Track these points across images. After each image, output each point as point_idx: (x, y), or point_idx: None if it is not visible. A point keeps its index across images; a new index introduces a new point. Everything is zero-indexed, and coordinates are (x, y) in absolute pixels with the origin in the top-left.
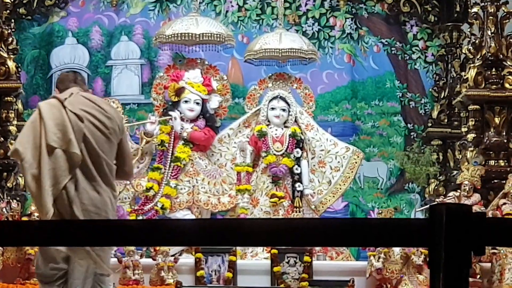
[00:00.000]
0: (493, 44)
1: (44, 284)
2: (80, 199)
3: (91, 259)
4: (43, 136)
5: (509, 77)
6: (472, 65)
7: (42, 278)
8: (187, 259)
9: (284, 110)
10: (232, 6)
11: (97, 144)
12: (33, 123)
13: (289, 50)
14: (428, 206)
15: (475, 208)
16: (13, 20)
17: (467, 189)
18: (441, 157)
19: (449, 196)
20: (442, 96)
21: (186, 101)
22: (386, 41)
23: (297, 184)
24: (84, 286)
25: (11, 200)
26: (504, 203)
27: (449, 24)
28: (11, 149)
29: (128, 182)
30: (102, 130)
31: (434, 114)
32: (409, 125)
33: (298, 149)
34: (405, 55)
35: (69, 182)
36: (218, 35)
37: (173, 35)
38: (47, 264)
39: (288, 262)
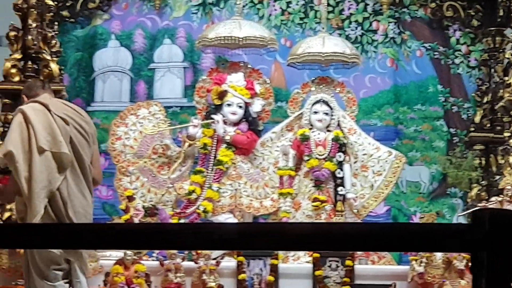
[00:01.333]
0: None
1: (47, 283)
2: (72, 201)
3: (82, 261)
4: (33, 139)
5: None
6: None
7: (45, 279)
8: (229, 263)
9: (326, 114)
10: (275, 9)
11: (81, 147)
12: (19, 127)
13: (332, 54)
14: (470, 211)
15: None
16: (56, 23)
17: (510, 194)
18: (483, 162)
19: (491, 201)
20: (484, 101)
21: (228, 105)
22: (429, 45)
23: (339, 188)
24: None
25: None
26: None
27: (492, 28)
28: (1, 153)
29: (170, 185)
30: (83, 134)
31: (477, 118)
32: (451, 129)
33: (340, 153)
34: (448, 60)
35: (62, 183)
36: (261, 39)
37: (216, 39)
38: (48, 266)
39: (330, 266)
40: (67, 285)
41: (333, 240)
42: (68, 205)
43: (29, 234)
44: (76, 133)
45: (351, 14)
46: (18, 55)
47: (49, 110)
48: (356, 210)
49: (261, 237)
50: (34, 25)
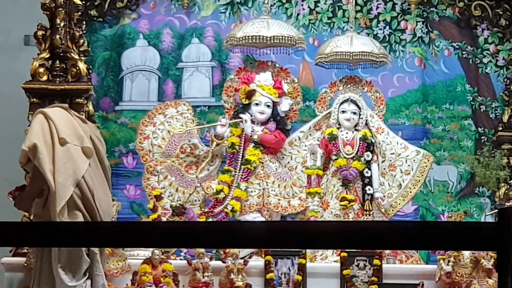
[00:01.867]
0: None
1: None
2: (97, 192)
3: (104, 255)
4: (54, 133)
5: None
6: None
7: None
8: (256, 262)
9: (355, 113)
10: (303, 9)
11: (100, 146)
12: (40, 125)
13: (360, 53)
14: (497, 210)
15: None
16: (84, 22)
17: None
18: (511, 161)
19: None
20: None
21: (256, 104)
22: (457, 44)
23: (367, 187)
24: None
25: None
26: None
27: None
28: (25, 147)
29: (198, 185)
30: (99, 137)
31: (505, 118)
32: (479, 129)
33: (368, 152)
34: (476, 59)
35: (86, 173)
36: (289, 38)
37: (244, 38)
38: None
39: (357, 265)
40: (88, 281)
41: (361, 239)
42: (95, 195)
43: (55, 232)
44: (95, 133)
45: (379, 13)
46: (46, 54)
47: (68, 111)
48: (384, 209)
49: (289, 236)
50: (62, 24)
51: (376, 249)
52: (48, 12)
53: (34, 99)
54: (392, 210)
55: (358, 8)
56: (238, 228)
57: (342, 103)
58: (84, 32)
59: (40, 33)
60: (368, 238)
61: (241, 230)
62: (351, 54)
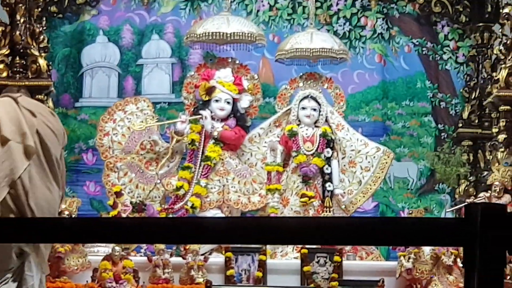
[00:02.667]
0: None
1: None
2: (34, 192)
3: (39, 254)
4: None
5: None
6: (503, 65)
7: None
8: (217, 258)
9: (314, 109)
10: (263, 5)
11: (48, 140)
12: None
13: (320, 49)
14: (459, 206)
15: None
16: (44, 18)
17: (498, 190)
18: (471, 158)
19: (479, 197)
20: (473, 97)
21: (216, 100)
22: (417, 41)
23: (327, 184)
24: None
25: None
26: None
27: (481, 24)
28: None
29: (158, 181)
30: (52, 129)
31: (465, 114)
32: (439, 125)
33: (328, 149)
34: (436, 56)
35: (24, 173)
36: (249, 34)
37: (204, 34)
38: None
39: (318, 262)
40: (14, 283)
41: (322, 234)
42: (29, 195)
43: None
44: (44, 127)
45: (339, 9)
46: (5, 51)
47: (17, 103)
48: (344, 206)
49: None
50: (22, 20)
51: (339, 244)
52: (8, 8)
53: None
54: (352, 207)
55: (318, 4)
56: (198, 223)
57: (302, 99)
58: (44, 28)
59: None
60: (330, 233)
61: (201, 225)
62: (311, 51)
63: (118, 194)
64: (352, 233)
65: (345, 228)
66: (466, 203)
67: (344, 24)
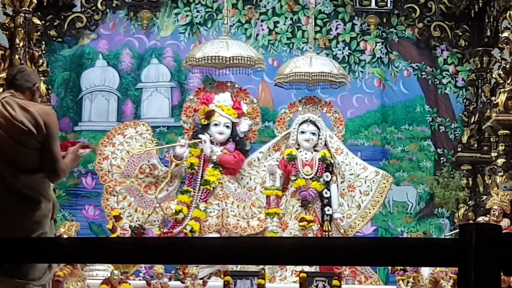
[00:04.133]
0: None
1: None
2: None
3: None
4: None
5: None
6: (502, 89)
7: None
8: (216, 282)
9: (314, 134)
10: (262, 29)
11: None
12: None
13: (319, 74)
14: (457, 231)
15: None
16: (44, 42)
17: (497, 214)
18: (470, 182)
19: (478, 221)
20: (472, 121)
21: (216, 124)
22: (416, 65)
23: (326, 208)
24: None
25: None
26: None
27: (480, 48)
28: None
29: (157, 205)
30: (12, 130)
31: (464, 139)
32: (439, 149)
33: (327, 173)
34: (435, 80)
35: None
36: (249, 59)
37: (203, 58)
38: None
39: (316, 286)
40: None
41: (320, 255)
42: None
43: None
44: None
45: (338, 34)
46: (5, 75)
47: None
48: (343, 230)
49: (248, 252)
50: (21, 44)
51: (335, 264)
52: (7, 32)
53: None
54: (351, 231)
55: (318, 28)
56: (197, 243)
57: (301, 123)
58: (44, 52)
59: None
60: (327, 253)
61: (200, 246)
62: (310, 75)
63: (117, 218)
64: (351, 253)
65: (343, 248)
66: (465, 223)
67: (344, 48)
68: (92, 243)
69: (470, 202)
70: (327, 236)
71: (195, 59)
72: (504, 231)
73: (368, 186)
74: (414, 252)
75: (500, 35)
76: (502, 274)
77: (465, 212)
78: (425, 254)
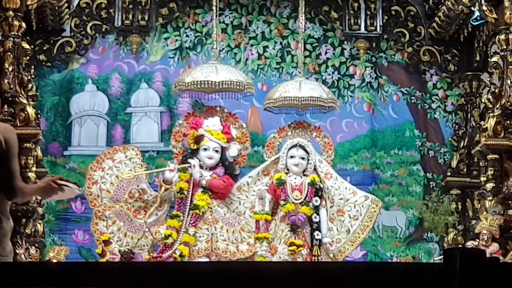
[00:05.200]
0: None
1: None
2: None
3: None
4: None
5: None
6: (491, 114)
7: None
8: None
9: (303, 158)
10: (252, 54)
11: None
12: None
13: (309, 98)
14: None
15: None
16: (33, 67)
17: (486, 239)
18: (460, 207)
19: (467, 246)
20: (461, 146)
21: (205, 149)
22: (405, 90)
23: (315, 233)
24: None
25: (29, 247)
26: None
27: (469, 73)
28: None
29: (147, 230)
30: None
31: (453, 163)
32: (428, 174)
33: (317, 198)
34: (425, 104)
35: None
36: (238, 83)
37: (192, 83)
38: None
39: None
40: None
41: (309, 279)
42: None
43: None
44: None
45: (328, 58)
46: None
47: None
48: (333, 255)
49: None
50: (10, 68)
51: None
52: None
53: None
54: (341, 256)
55: (307, 53)
56: (188, 268)
57: (290, 148)
58: (33, 76)
59: None
60: (317, 278)
61: (190, 270)
62: (300, 99)
63: (107, 242)
64: (339, 278)
65: (332, 273)
66: (450, 247)
67: (333, 72)
68: (81, 267)
69: (459, 226)
70: (316, 260)
71: (184, 84)
72: (493, 256)
73: (357, 210)
74: (402, 277)
75: (489, 59)
76: None
77: (455, 237)
78: (413, 278)
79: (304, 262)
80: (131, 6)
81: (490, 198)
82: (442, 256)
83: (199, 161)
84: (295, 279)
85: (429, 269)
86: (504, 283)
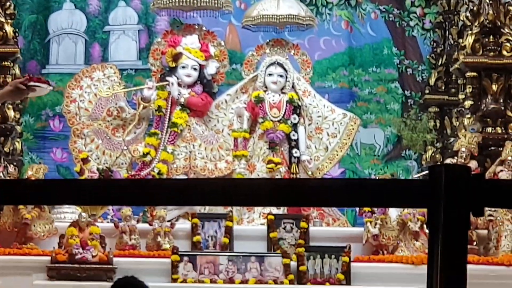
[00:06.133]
0: (491, 11)
1: None
2: None
3: None
4: None
5: (507, 44)
6: (469, 32)
7: None
8: (183, 225)
9: (281, 76)
10: None
11: None
12: None
13: (287, 16)
14: (424, 172)
15: None
16: None
17: (464, 156)
18: (438, 124)
19: (447, 163)
20: (439, 63)
21: (183, 67)
22: (383, 7)
23: (294, 150)
24: None
25: (8, 165)
26: (501, 170)
27: None
28: None
29: (125, 147)
30: None
31: (432, 81)
32: (406, 92)
33: (295, 115)
34: (403, 22)
35: None
36: (216, 1)
37: (171, 1)
38: None
39: (284, 228)
40: None
41: (287, 196)
42: None
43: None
44: None
45: None
46: None
47: None
48: (311, 172)
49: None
50: None
51: (306, 206)
52: None
53: None
54: (319, 173)
55: None
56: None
57: (268, 66)
58: None
59: None
60: (296, 194)
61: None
62: (278, 17)
63: (85, 160)
64: (320, 194)
65: (311, 189)
66: (435, 164)
67: None
68: (59, 184)
69: (437, 144)
70: (294, 177)
71: (162, 2)
72: (472, 173)
73: (335, 128)
74: (383, 193)
75: None
76: (472, 215)
77: (433, 154)
78: (395, 195)
79: (283, 179)
80: None
81: (469, 115)
82: (421, 173)
83: (177, 79)
84: (273, 196)
85: (413, 186)
86: (488, 199)
